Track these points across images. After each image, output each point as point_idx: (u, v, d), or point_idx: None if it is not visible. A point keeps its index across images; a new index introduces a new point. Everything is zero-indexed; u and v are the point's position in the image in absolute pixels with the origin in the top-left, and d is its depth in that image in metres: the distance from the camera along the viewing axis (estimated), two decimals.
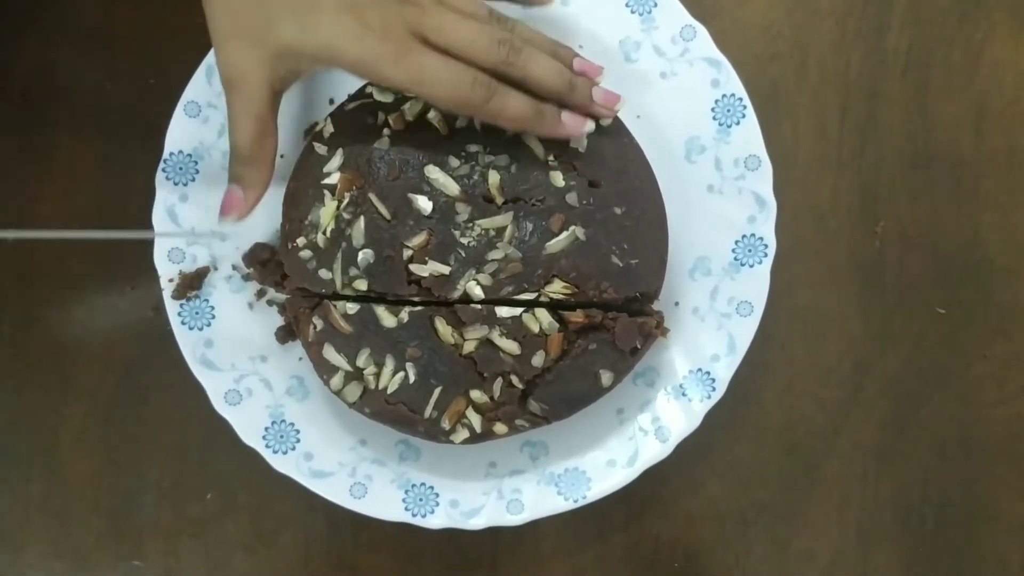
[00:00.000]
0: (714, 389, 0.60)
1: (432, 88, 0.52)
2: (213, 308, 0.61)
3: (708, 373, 0.61)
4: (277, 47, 0.52)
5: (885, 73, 0.67)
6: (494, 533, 0.63)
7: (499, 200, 0.57)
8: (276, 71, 0.53)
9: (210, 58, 0.61)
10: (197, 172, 0.61)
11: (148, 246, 0.62)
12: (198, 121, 0.61)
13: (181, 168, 0.61)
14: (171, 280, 0.61)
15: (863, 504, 0.67)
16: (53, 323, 0.67)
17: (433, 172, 0.57)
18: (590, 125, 0.56)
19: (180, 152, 0.61)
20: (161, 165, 0.61)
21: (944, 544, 0.66)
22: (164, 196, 0.61)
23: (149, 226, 0.61)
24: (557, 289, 0.56)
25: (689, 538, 0.67)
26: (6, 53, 0.67)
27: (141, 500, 0.67)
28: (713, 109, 0.62)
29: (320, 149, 0.58)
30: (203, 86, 0.61)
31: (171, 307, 0.61)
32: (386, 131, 0.58)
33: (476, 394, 0.57)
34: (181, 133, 0.61)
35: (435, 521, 0.60)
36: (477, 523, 0.60)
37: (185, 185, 0.61)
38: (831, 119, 0.67)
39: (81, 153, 0.67)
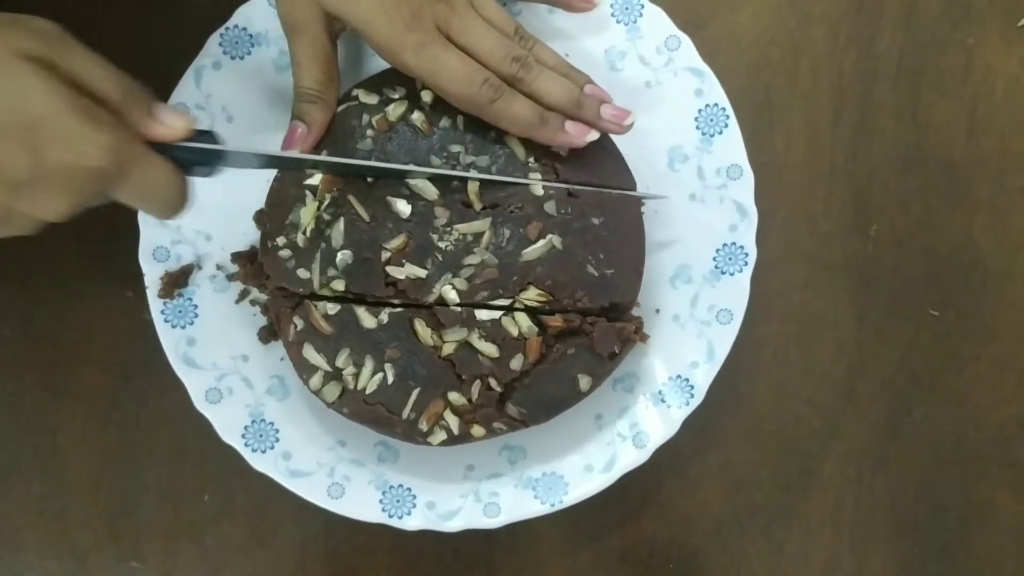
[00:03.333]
0: (692, 396, 0.61)
1: (444, 82, 0.55)
2: (196, 307, 0.62)
3: (687, 380, 0.61)
4: (326, 5, 0.56)
5: (877, 78, 0.68)
6: (489, 535, 0.63)
7: (477, 206, 0.57)
8: (331, 21, 0.57)
9: (198, 61, 0.61)
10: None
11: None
12: None
13: None
14: (161, 279, 0.61)
15: (857, 506, 0.67)
16: (52, 326, 0.67)
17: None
18: (593, 134, 0.57)
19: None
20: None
21: (938, 546, 0.67)
22: None
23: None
24: (532, 296, 0.57)
25: (684, 540, 0.67)
26: None
27: (139, 502, 0.67)
28: (696, 119, 0.62)
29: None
30: (191, 89, 0.62)
31: (155, 305, 0.61)
32: (369, 132, 0.58)
33: (454, 396, 0.57)
34: None
35: (412, 523, 0.60)
36: (453, 525, 0.60)
37: None
38: (824, 124, 0.67)
39: None
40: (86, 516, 0.67)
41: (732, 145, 0.62)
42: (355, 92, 0.60)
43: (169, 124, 0.50)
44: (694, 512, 0.67)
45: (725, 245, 0.61)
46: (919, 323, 0.67)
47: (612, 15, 0.63)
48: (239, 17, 0.62)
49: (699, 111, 0.62)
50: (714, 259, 0.62)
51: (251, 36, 0.62)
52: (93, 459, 0.67)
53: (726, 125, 0.62)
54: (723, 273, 0.61)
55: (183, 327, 0.61)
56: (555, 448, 0.61)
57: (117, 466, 0.67)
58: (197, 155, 0.51)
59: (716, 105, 0.62)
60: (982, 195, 0.67)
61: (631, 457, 0.60)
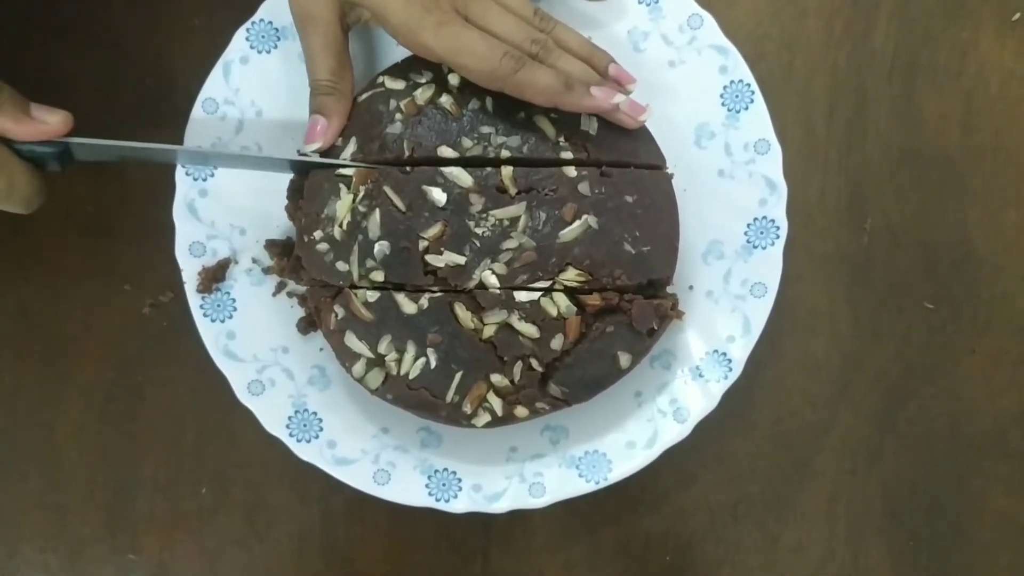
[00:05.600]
0: (731, 370, 0.61)
1: (466, 58, 0.55)
2: (234, 300, 0.62)
3: (724, 354, 0.61)
4: None
5: (872, 72, 0.68)
6: (486, 527, 0.65)
7: (512, 191, 0.58)
8: (343, 11, 0.57)
9: (226, 56, 0.62)
10: (216, 168, 0.62)
11: (146, 246, 0.64)
12: (215, 118, 0.62)
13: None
14: (198, 274, 0.62)
15: (853, 498, 0.67)
16: (50, 320, 0.68)
17: (445, 152, 0.58)
18: (620, 97, 0.57)
19: (198, 148, 0.62)
20: (180, 160, 0.62)
21: (933, 537, 0.67)
22: (184, 191, 0.62)
23: (146, 230, 0.63)
24: (571, 277, 0.57)
25: (680, 532, 0.67)
26: (8, 55, 0.68)
27: (136, 494, 0.68)
28: (722, 95, 0.63)
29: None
30: (220, 83, 0.62)
31: (193, 300, 0.61)
32: (398, 116, 0.59)
33: (497, 378, 0.57)
34: (199, 129, 0.62)
35: (458, 505, 0.61)
36: (500, 507, 0.61)
37: (204, 180, 0.62)
38: (819, 118, 0.68)
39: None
40: (83, 509, 0.68)
41: (759, 120, 0.62)
42: (380, 79, 0.60)
43: (45, 120, 0.54)
44: (690, 504, 0.67)
45: (756, 219, 0.62)
46: (914, 316, 0.68)
47: None
48: (264, 11, 0.62)
49: (724, 88, 0.62)
50: (745, 234, 0.62)
51: (277, 30, 0.62)
52: (90, 452, 0.68)
53: (752, 101, 0.62)
54: (755, 247, 0.62)
55: (222, 321, 0.62)
56: (596, 427, 0.62)
57: (114, 459, 0.68)
58: (51, 150, 0.55)
59: (741, 81, 0.62)
60: (976, 189, 0.68)
61: (673, 432, 0.61)
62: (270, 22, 0.62)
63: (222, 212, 0.62)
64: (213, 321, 0.62)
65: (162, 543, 0.67)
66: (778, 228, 0.62)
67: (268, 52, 0.62)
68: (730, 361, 0.61)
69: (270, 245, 0.63)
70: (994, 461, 0.67)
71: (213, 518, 0.67)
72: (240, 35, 0.62)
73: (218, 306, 0.62)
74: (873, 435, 0.67)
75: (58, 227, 0.68)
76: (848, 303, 0.67)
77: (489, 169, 0.58)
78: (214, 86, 0.62)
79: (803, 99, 0.68)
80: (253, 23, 0.62)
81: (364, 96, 0.60)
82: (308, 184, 0.60)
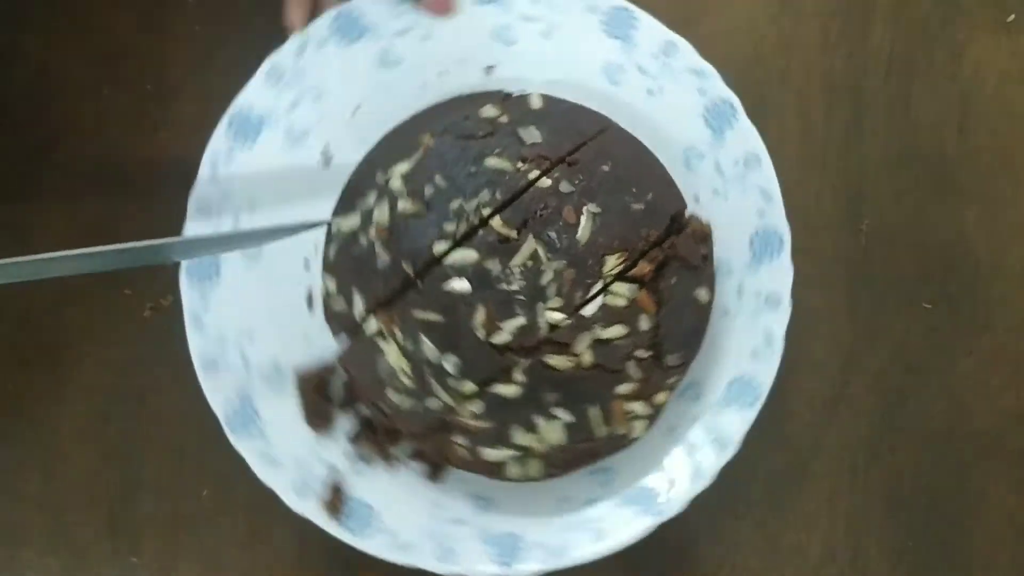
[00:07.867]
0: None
1: None
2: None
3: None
4: None
5: (869, 74, 0.69)
6: None
7: (512, 234, 0.57)
8: None
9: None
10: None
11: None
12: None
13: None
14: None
15: (852, 498, 0.68)
16: (51, 324, 0.67)
17: (439, 247, 0.57)
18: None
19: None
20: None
21: (933, 537, 0.68)
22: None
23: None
24: (613, 264, 0.57)
25: (679, 533, 0.66)
26: (7, 58, 0.69)
27: (138, 497, 0.66)
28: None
29: (330, 283, 0.62)
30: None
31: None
32: (377, 247, 0.59)
33: (624, 388, 0.57)
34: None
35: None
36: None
37: None
38: (816, 120, 0.68)
39: (80, 158, 0.68)
40: (85, 512, 0.66)
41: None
42: (335, 226, 0.61)
43: None
44: (689, 504, 0.67)
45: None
46: (912, 316, 0.69)
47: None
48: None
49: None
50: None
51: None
52: (91, 455, 0.66)
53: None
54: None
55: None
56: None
57: (116, 462, 0.66)
58: None
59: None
60: (973, 189, 0.69)
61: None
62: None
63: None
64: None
65: (164, 546, 0.66)
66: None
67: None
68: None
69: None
70: (993, 460, 0.68)
71: (215, 521, 0.66)
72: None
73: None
74: (872, 435, 0.68)
75: (60, 231, 0.67)
76: (846, 304, 0.68)
77: (480, 231, 0.57)
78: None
79: (801, 101, 0.68)
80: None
81: (334, 249, 0.61)
82: (346, 360, 0.60)
